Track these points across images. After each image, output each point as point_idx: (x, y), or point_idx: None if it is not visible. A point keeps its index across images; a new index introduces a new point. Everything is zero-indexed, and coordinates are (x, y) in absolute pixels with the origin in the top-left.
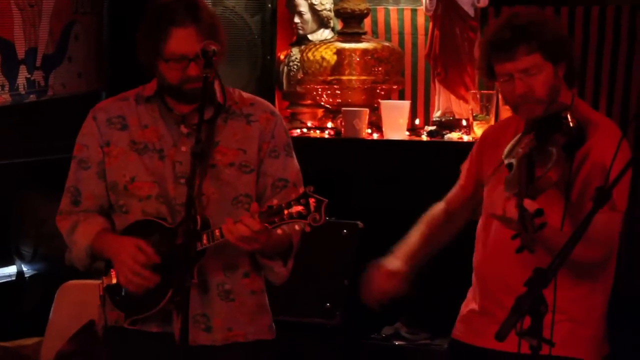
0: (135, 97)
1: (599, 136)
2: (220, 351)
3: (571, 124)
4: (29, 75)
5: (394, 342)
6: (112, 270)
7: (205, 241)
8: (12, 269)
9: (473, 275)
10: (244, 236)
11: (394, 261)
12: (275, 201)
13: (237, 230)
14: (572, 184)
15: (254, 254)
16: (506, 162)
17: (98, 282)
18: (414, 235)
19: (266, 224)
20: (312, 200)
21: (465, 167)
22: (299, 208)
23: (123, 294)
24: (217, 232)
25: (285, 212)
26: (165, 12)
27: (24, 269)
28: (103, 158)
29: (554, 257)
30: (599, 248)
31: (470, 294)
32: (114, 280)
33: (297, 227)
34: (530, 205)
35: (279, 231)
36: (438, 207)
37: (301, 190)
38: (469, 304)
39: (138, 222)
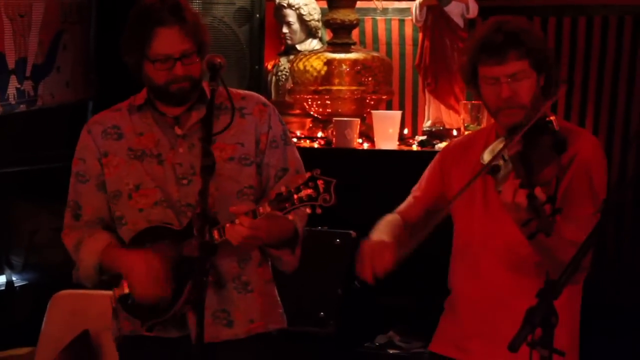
0: (128, 107)
1: (583, 142)
2: (244, 344)
3: (557, 127)
4: (19, 85)
5: (388, 350)
6: (123, 280)
7: (217, 237)
8: (1, 279)
9: (458, 299)
10: (244, 236)
11: (381, 235)
12: (283, 187)
13: (236, 232)
14: (557, 187)
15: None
16: (492, 163)
17: (91, 292)
18: (385, 225)
19: (277, 211)
20: (320, 182)
21: (424, 180)
22: (309, 191)
23: (137, 303)
24: (228, 226)
25: (295, 196)
26: (149, 12)
27: (14, 278)
28: (102, 170)
29: (565, 268)
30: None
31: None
32: (126, 290)
33: (308, 210)
34: (540, 194)
35: (290, 216)
36: (393, 216)
37: (307, 175)
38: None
39: (146, 230)
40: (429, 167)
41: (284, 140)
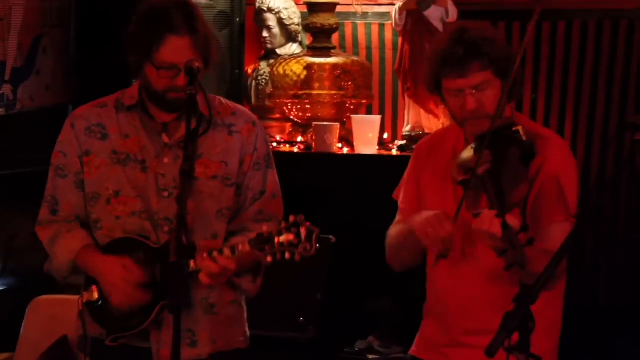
0: (115, 103)
1: (549, 149)
2: None
3: (524, 137)
4: None
5: (368, 356)
6: (93, 285)
7: (193, 266)
8: None
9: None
10: (212, 272)
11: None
12: (265, 227)
13: (205, 266)
14: (527, 197)
15: None
16: (458, 179)
17: (70, 297)
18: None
19: (257, 252)
20: (302, 229)
21: (407, 192)
22: (290, 237)
23: (105, 311)
24: (191, 263)
25: (276, 239)
26: (162, 15)
27: None
28: (81, 168)
29: (540, 274)
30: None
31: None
32: (95, 296)
33: (287, 255)
34: (512, 221)
35: (268, 259)
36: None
37: (291, 219)
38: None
39: (121, 239)
40: (405, 175)
41: (267, 163)
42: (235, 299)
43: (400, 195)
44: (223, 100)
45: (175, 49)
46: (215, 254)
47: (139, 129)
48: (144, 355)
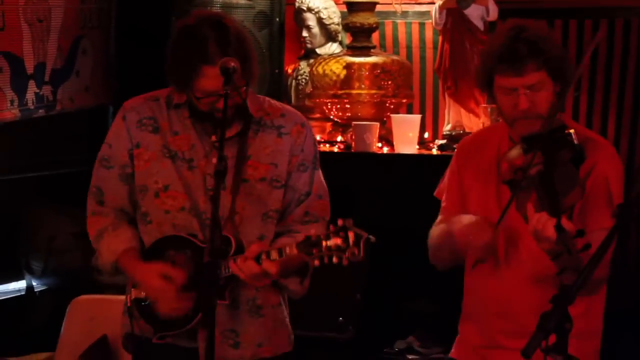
0: (166, 99)
1: (600, 152)
2: None
3: (576, 141)
4: (37, 90)
5: (407, 356)
6: None
7: (234, 267)
8: (22, 284)
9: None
10: (253, 274)
11: (471, 218)
12: (313, 231)
13: (246, 267)
14: None
15: None
16: (507, 178)
17: (110, 297)
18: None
19: (304, 255)
20: (350, 234)
21: (451, 190)
22: (338, 241)
23: (152, 309)
24: (239, 259)
25: (324, 243)
26: (196, 46)
27: (34, 283)
28: (129, 162)
29: (578, 275)
30: (607, 264)
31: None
32: (144, 293)
33: (335, 259)
34: (568, 225)
35: (316, 262)
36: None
37: (339, 223)
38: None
39: (168, 237)
40: (448, 174)
41: (314, 164)
42: (281, 301)
43: (444, 194)
44: (272, 101)
45: (213, 79)
46: (263, 256)
47: (189, 127)
48: (191, 356)
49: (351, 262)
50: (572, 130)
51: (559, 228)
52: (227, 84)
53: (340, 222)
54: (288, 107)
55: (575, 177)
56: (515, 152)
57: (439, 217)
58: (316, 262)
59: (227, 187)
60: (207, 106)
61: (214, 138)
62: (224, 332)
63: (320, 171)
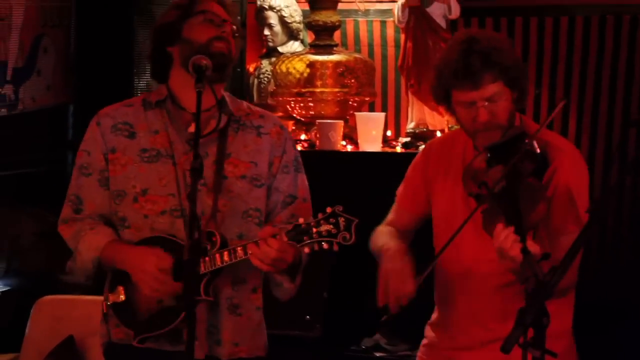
0: (142, 102)
1: (561, 158)
2: None
3: (537, 150)
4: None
5: (374, 353)
6: (119, 286)
7: (227, 258)
8: None
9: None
10: (272, 258)
11: (397, 263)
12: (301, 219)
13: (262, 252)
14: None
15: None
16: (473, 192)
17: (75, 297)
18: (393, 242)
19: (294, 242)
20: (341, 220)
21: (408, 187)
22: (329, 227)
23: (132, 311)
24: (239, 250)
25: (314, 230)
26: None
27: None
28: (106, 166)
29: (554, 272)
30: (574, 270)
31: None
32: (122, 297)
33: (325, 245)
34: (534, 247)
35: (306, 249)
36: (387, 229)
37: (328, 210)
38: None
39: (149, 238)
40: (410, 171)
41: (295, 167)
42: (259, 306)
43: (399, 189)
44: (251, 105)
45: (213, 6)
46: (270, 240)
47: (168, 125)
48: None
49: (340, 247)
50: (533, 142)
51: (524, 250)
52: (199, 82)
53: (329, 209)
54: (266, 111)
55: (540, 191)
56: (478, 161)
57: (389, 216)
58: (306, 250)
59: (209, 185)
60: (209, 32)
61: (193, 128)
62: (208, 327)
63: (304, 175)
